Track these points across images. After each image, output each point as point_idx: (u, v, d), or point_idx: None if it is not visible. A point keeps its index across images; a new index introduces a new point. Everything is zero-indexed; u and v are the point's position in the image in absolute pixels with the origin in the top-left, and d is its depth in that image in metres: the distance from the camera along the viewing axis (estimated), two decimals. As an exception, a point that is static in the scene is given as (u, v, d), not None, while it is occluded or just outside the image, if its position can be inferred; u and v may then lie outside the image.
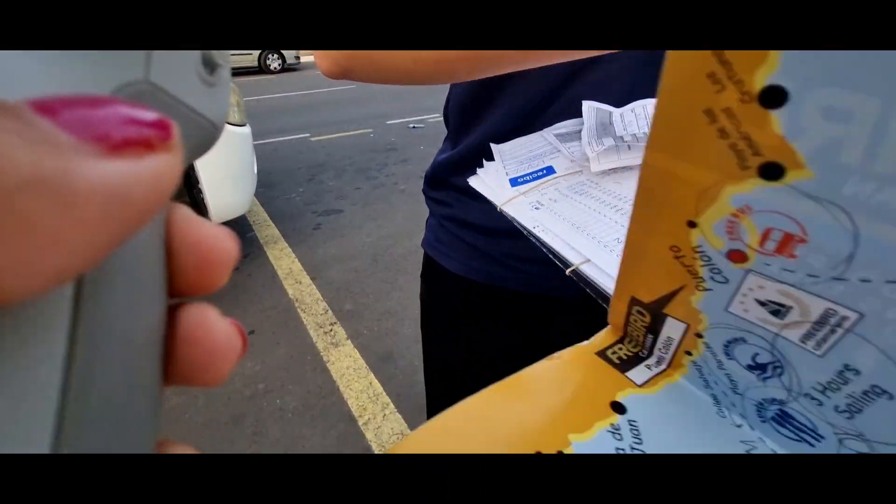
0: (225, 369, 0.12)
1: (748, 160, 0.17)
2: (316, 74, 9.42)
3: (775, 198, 0.17)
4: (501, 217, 0.55)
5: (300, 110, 5.91)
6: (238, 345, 0.12)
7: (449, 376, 0.66)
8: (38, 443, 0.08)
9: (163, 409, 0.11)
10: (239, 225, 2.66)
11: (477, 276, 0.58)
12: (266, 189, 3.22)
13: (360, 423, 1.44)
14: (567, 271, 0.32)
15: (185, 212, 0.12)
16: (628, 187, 0.39)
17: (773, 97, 0.16)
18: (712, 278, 0.21)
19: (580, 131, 0.45)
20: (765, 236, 0.18)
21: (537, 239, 0.37)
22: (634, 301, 0.26)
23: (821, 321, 0.19)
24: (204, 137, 0.12)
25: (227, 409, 1.50)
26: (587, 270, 0.31)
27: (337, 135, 4.64)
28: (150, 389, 0.11)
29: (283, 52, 10.00)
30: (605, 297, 0.29)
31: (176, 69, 0.11)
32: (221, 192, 2.07)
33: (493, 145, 0.48)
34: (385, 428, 1.41)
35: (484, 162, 0.47)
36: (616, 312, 0.28)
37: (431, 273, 0.64)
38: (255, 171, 2.33)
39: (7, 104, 0.07)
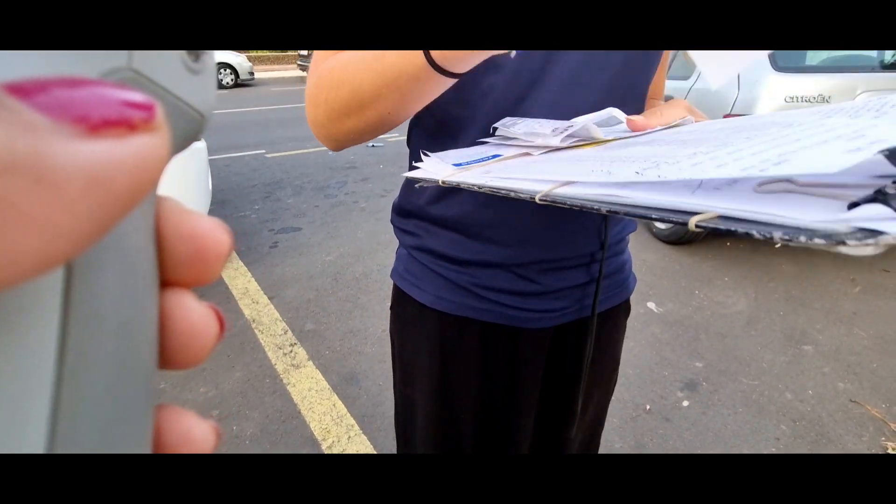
0: (203, 352, 0.12)
1: None
2: (270, 90, 9.28)
3: None
4: (470, 246, 0.56)
5: (255, 127, 5.78)
6: (215, 328, 0.12)
7: (427, 412, 0.63)
8: (34, 436, 0.08)
9: (157, 395, 0.11)
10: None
11: (448, 307, 0.57)
12: (218, 206, 3.10)
13: (324, 446, 1.39)
14: (537, 198, 0.29)
15: (175, 204, 0.12)
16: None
17: None
18: None
19: (523, 133, 0.44)
20: None
21: (491, 189, 0.33)
22: None
23: None
24: (191, 127, 0.12)
25: (178, 438, 1.41)
26: (565, 191, 0.28)
27: (294, 152, 4.56)
28: (144, 377, 0.11)
29: (236, 67, 9.79)
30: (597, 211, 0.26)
31: (159, 56, 0.10)
32: (173, 209, 1.98)
33: (425, 153, 0.46)
34: (350, 450, 1.37)
35: (422, 156, 0.45)
36: None
37: (402, 306, 0.63)
38: (210, 187, 2.25)
39: None
